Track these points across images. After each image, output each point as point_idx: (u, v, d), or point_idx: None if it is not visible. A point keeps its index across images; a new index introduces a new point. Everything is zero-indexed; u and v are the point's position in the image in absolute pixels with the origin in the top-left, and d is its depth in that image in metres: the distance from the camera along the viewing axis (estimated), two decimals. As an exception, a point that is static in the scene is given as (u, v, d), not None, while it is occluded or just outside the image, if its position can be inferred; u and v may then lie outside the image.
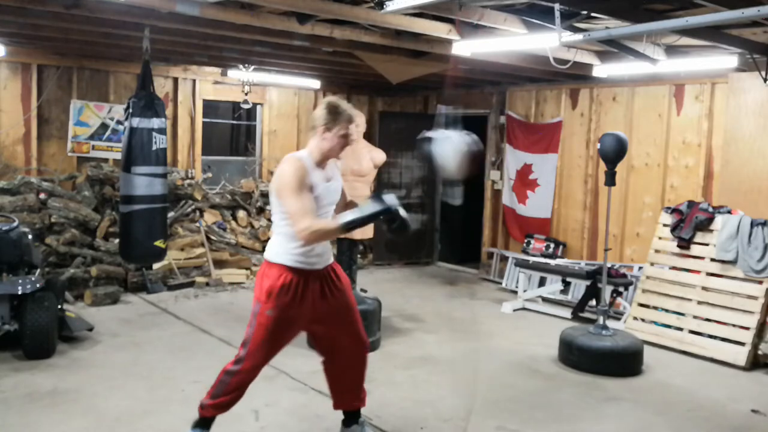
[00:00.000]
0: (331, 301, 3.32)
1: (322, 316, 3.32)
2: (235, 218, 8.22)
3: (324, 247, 3.31)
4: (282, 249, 3.23)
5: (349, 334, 3.41)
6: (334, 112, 3.20)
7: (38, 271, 5.33)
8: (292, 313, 3.22)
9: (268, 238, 8.85)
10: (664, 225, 6.17)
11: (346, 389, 3.55)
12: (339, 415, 3.94)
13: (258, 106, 8.87)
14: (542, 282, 7.37)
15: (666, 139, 6.81)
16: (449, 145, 3.33)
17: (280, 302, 3.19)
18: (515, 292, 7.36)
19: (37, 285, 4.93)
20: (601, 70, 6.23)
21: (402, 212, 3.11)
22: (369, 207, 3.07)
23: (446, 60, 6.28)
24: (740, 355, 5.30)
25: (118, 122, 7.43)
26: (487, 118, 8.66)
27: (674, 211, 6.11)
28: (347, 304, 3.41)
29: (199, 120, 8.31)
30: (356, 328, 3.43)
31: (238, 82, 8.25)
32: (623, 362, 5.05)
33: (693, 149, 6.61)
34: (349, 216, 3.06)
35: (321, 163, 3.26)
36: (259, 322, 3.23)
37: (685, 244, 5.94)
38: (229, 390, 3.30)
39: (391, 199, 3.10)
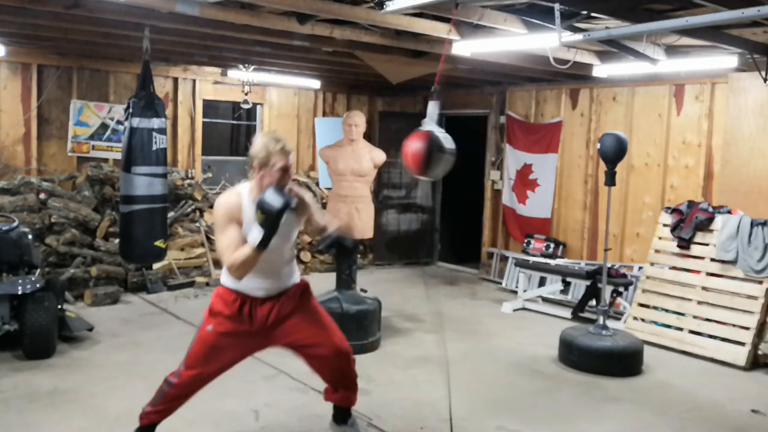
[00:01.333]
0: (288, 323, 3.29)
1: (281, 336, 3.31)
2: (235, 218, 8.21)
3: (278, 275, 3.27)
4: (227, 274, 3.22)
5: (324, 348, 3.36)
6: (267, 148, 3.11)
7: (38, 271, 5.33)
8: (232, 333, 3.22)
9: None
10: (664, 225, 6.17)
11: (339, 385, 3.56)
12: (339, 415, 3.94)
13: (258, 106, 8.86)
14: (542, 282, 7.37)
15: (666, 139, 6.81)
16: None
17: (220, 321, 3.22)
18: (515, 292, 7.36)
19: (37, 285, 4.93)
20: (601, 70, 6.23)
21: (293, 202, 3.05)
22: (267, 211, 2.94)
23: (446, 60, 6.27)
24: (740, 355, 5.30)
25: (118, 122, 7.43)
26: (487, 118, 8.67)
27: (674, 211, 6.11)
28: (311, 319, 3.36)
29: (199, 120, 8.30)
30: (330, 340, 3.37)
31: (238, 82, 8.25)
32: (623, 362, 5.05)
33: (693, 149, 6.61)
34: (255, 234, 2.97)
35: None
36: (199, 336, 3.27)
37: (685, 244, 5.94)
38: (165, 400, 3.31)
39: (271, 194, 2.97)
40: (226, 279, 3.28)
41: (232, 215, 3.10)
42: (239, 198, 3.15)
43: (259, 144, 3.16)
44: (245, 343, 3.29)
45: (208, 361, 3.24)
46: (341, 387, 3.55)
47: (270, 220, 2.94)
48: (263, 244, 2.96)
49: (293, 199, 3.09)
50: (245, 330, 3.24)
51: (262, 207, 2.94)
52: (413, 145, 3.54)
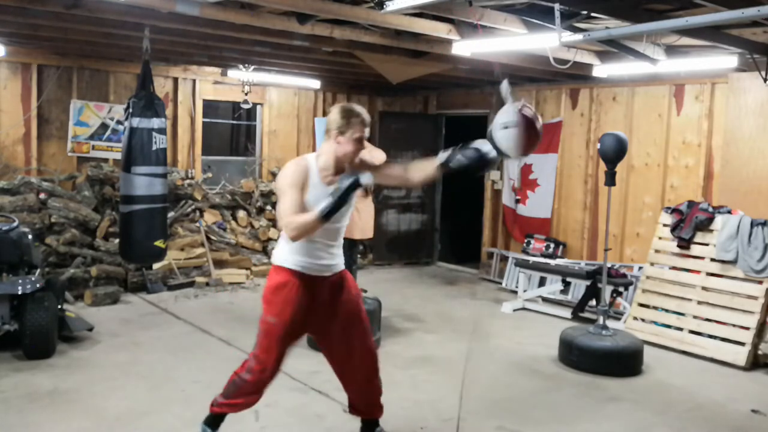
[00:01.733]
0: (339, 310, 3.31)
1: (328, 323, 3.32)
2: (235, 218, 8.22)
3: (332, 254, 3.31)
4: (287, 252, 3.24)
5: (357, 343, 3.38)
6: (348, 116, 3.19)
7: (38, 271, 5.33)
8: (293, 318, 3.21)
9: (268, 238, 8.91)
10: (664, 225, 6.17)
11: (362, 395, 3.53)
12: (339, 414, 3.96)
13: (258, 106, 8.86)
14: (542, 282, 7.37)
15: (666, 139, 6.81)
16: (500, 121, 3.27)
17: (281, 308, 3.19)
18: (515, 292, 7.36)
19: (37, 285, 4.93)
20: (601, 70, 6.23)
21: (367, 179, 3.08)
22: (339, 186, 3.03)
23: (446, 60, 6.28)
24: (740, 355, 5.30)
25: (118, 122, 7.43)
26: (487, 118, 8.66)
27: (674, 211, 6.11)
28: (355, 314, 3.37)
29: (199, 120, 8.30)
30: (364, 338, 3.40)
31: (238, 82, 8.25)
32: (623, 362, 5.04)
33: (693, 149, 6.61)
34: (323, 203, 3.00)
35: (334, 169, 3.22)
36: (263, 329, 3.26)
37: (685, 244, 5.94)
38: (242, 392, 3.32)
39: (354, 177, 3.05)
40: (284, 257, 3.24)
41: (298, 179, 3.12)
42: (307, 164, 3.19)
43: (340, 111, 3.21)
44: (304, 326, 3.30)
45: (279, 350, 3.25)
46: (364, 394, 3.52)
47: (338, 194, 2.97)
48: (328, 211, 2.97)
49: (365, 178, 3.08)
50: (305, 313, 3.23)
51: (341, 182, 3.02)
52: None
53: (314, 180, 3.17)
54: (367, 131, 3.24)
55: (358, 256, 6.38)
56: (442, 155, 3.21)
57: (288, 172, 3.16)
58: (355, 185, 3.02)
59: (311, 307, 3.24)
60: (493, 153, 3.16)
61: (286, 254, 3.25)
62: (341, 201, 3.00)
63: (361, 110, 3.26)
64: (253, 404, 3.39)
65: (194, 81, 8.19)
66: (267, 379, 3.31)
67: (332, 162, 3.22)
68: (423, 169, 3.34)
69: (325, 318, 3.31)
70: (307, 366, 4.91)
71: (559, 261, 7.35)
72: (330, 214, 2.99)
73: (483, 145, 3.17)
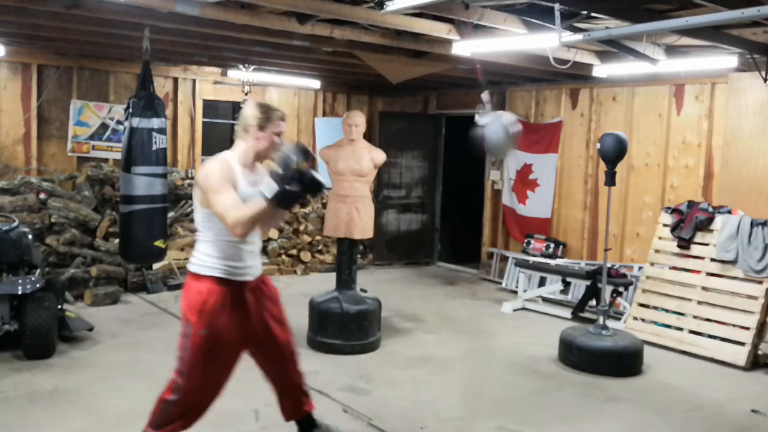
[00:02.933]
0: (264, 313, 3.16)
1: (256, 327, 3.13)
2: (235, 218, 8.21)
3: (252, 255, 3.11)
4: (209, 259, 3.01)
5: (283, 345, 3.26)
6: (267, 111, 3.07)
7: (38, 271, 5.33)
8: (227, 329, 2.99)
9: (268, 238, 8.88)
10: (664, 225, 6.17)
11: (290, 396, 3.42)
12: (339, 414, 3.96)
13: (258, 106, 8.85)
14: (542, 282, 7.37)
15: (666, 139, 6.80)
16: (498, 125, 3.52)
17: (213, 319, 2.95)
18: (515, 292, 7.36)
19: (37, 285, 4.93)
20: (601, 70, 6.23)
21: (311, 174, 2.84)
22: (278, 172, 2.79)
23: (446, 60, 6.28)
24: (740, 355, 5.30)
25: (118, 122, 7.43)
26: (487, 118, 8.65)
27: (674, 211, 6.11)
28: (278, 315, 3.25)
29: (199, 120, 8.30)
30: (287, 338, 3.29)
31: (238, 82, 8.25)
32: (623, 362, 5.05)
33: (693, 149, 6.61)
34: (268, 186, 2.78)
35: (251, 166, 3.10)
36: (193, 343, 2.96)
37: (685, 244, 5.94)
38: (173, 419, 3.04)
39: (292, 150, 2.83)
40: (203, 263, 3.00)
41: (228, 177, 2.93)
42: (230, 164, 3.00)
43: (258, 106, 3.10)
44: (238, 337, 3.06)
45: (215, 367, 3.03)
46: (293, 392, 3.41)
47: (305, 187, 2.79)
48: (279, 200, 2.77)
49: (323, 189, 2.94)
50: (237, 323, 3.02)
51: (280, 163, 2.80)
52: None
53: (240, 180, 2.99)
54: (283, 126, 3.12)
55: (358, 256, 6.38)
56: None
57: (215, 169, 2.94)
58: (320, 190, 2.86)
59: (240, 315, 3.03)
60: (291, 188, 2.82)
61: (205, 259, 3.01)
62: (285, 183, 2.77)
63: (276, 106, 3.18)
64: (189, 425, 3.08)
65: (194, 81, 8.19)
66: (202, 401, 3.06)
67: (251, 160, 3.09)
68: None
69: (253, 323, 3.10)
70: (307, 366, 4.89)
71: (559, 261, 7.35)
72: (282, 198, 2.78)
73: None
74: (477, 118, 3.58)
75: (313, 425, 3.52)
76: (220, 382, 3.10)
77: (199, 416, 3.09)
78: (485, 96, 3.66)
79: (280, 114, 3.11)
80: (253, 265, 3.13)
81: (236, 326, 3.03)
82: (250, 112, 3.08)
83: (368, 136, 7.37)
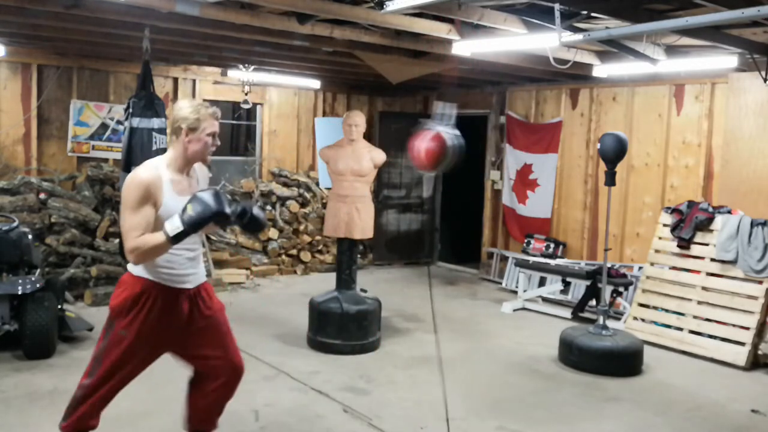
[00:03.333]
0: (201, 324, 3.01)
1: (190, 339, 3.01)
2: (235, 218, 8.21)
3: (193, 263, 2.99)
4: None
5: (222, 360, 3.09)
6: (198, 111, 2.87)
7: (38, 271, 5.33)
8: (150, 334, 2.88)
9: (268, 238, 8.88)
10: (664, 225, 6.17)
11: (205, 414, 3.21)
12: (339, 414, 3.96)
13: (258, 106, 8.86)
14: (542, 282, 7.37)
15: (666, 139, 6.81)
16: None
17: (137, 322, 2.85)
18: (515, 292, 7.36)
19: (37, 285, 4.93)
20: (601, 70, 6.23)
21: (248, 209, 2.85)
22: (193, 210, 2.67)
23: (446, 60, 6.28)
24: (740, 355, 5.30)
25: (118, 122, 7.42)
26: (487, 118, 8.66)
27: (674, 211, 6.11)
28: (218, 328, 3.09)
29: (199, 120, 8.29)
30: (230, 355, 3.12)
31: (238, 82, 8.25)
32: (623, 362, 5.05)
33: (693, 149, 6.61)
34: (175, 222, 2.67)
35: (183, 171, 2.94)
36: (111, 341, 2.90)
37: (685, 244, 5.94)
38: (77, 406, 2.98)
39: (210, 198, 2.69)
40: (140, 269, 2.88)
41: (147, 193, 2.76)
42: (158, 173, 2.82)
43: (187, 107, 2.89)
44: (161, 344, 2.97)
45: (129, 368, 2.93)
46: (208, 410, 3.19)
47: (198, 219, 2.66)
48: (178, 238, 2.67)
49: (233, 206, 2.82)
50: (164, 329, 2.91)
51: (196, 202, 2.67)
52: (425, 144, 3.47)
53: (167, 192, 2.82)
54: (217, 125, 2.93)
55: (358, 256, 6.38)
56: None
57: (135, 184, 2.76)
58: (218, 216, 2.70)
59: (169, 322, 2.91)
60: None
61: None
62: (197, 228, 2.71)
63: (209, 104, 2.98)
64: (87, 422, 2.99)
65: (194, 81, 8.19)
66: (106, 396, 2.96)
67: (183, 165, 2.92)
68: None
69: (184, 333, 2.98)
70: (307, 366, 4.91)
71: (559, 261, 7.35)
72: (181, 238, 2.69)
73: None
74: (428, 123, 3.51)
75: None
76: (129, 377, 2.99)
77: (104, 405, 3.01)
78: (441, 108, 3.55)
79: (212, 111, 2.91)
80: (192, 273, 2.98)
81: (161, 331, 2.91)
82: (179, 114, 2.87)
83: (368, 136, 7.37)
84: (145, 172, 2.82)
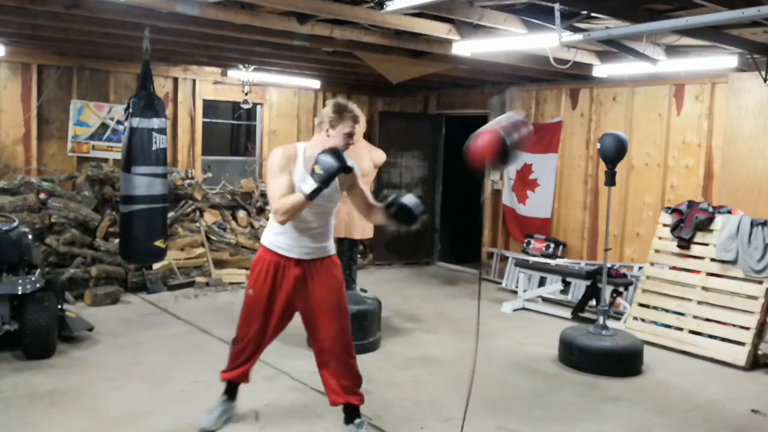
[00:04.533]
0: (314, 295, 3.48)
1: (304, 304, 3.52)
2: (235, 218, 8.22)
3: (315, 238, 3.46)
4: (270, 233, 3.53)
5: (329, 332, 3.52)
6: (341, 111, 3.35)
7: (38, 271, 5.33)
8: (268, 294, 3.49)
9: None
10: (664, 225, 6.17)
11: (337, 376, 3.59)
12: (339, 414, 3.95)
13: (258, 106, 8.87)
14: (542, 282, 7.37)
15: (666, 139, 6.81)
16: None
17: (256, 283, 3.51)
18: (515, 292, 7.36)
19: (37, 285, 4.93)
20: (601, 70, 6.23)
21: (351, 163, 3.29)
22: (321, 168, 3.18)
23: (446, 60, 6.28)
24: (740, 355, 5.30)
25: (118, 122, 7.43)
26: (487, 118, 8.63)
27: (674, 211, 6.11)
28: (328, 302, 3.51)
29: (199, 120, 8.31)
30: (337, 328, 3.52)
31: (238, 82, 8.25)
32: (623, 362, 5.05)
33: (693, 149, 6.61)
34: (309, 181, 3.19)
35: None
36: (244, 301, 3.61)
37: (685, 244, 5.94)
38: (231, 359, 3.73)
39: (331, 157, 3.20)
40: (266, 239, 3.53)
41: (287, 164, 3.34)
42: (296, 151, 3.41)
43: (333, 105, 3.39)
44: (279, 302, 3.51)
45: (256, 322, 3.57)
46: (339, 375, 3.58)
47: (325, 175, 3.16)
48: (313, 195, 3.19)
49: (350, 162, 3.29)
50: (277, 290, 3.49)
51: (320, 162, 3.18)
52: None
53: (300, 168, 3.37)
54: (358, 128, 3.42)
55: (358, 256, 6.38)
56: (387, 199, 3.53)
57: (278, 155, 3.35)
58: (340, 170, 3.20)
59: (284, 287, 3.47)
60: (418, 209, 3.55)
61: (268, 234, 3.53)
62: (326, 183, 3.19)
63: (354, 107, 3.43)
64: (241, 375, 3.74)
65: (194, 81, 8.20)
66: (249, 350, 3.64)
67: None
68: (377, 215, 3.65)
69: (301, 299, 3.51)
70: (307, 366, 4.90)
71: (559, 261, 7.35)
72: (315, 194, 3.20)
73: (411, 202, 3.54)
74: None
75: (351, 419, 3.70)
76: (262, 333, 3.60)
77: (250, 358, 3.69)
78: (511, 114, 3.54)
79: (352, 116, 3.38)
80: (308, 246, 3.46)
81: (273, 293, 3.50)
82: (326, 110, 3.40)
83: (368, 136, 7.37)
84: (287, 146, 3.46)
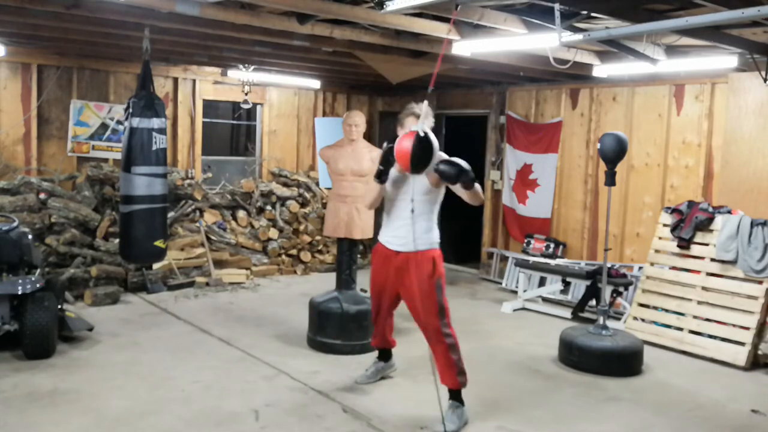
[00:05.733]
0: (405, 285, 3.99)
1: (401, 291, 4.06)
2: (235, 218, 8.23)
3: (398, 232, 3.98)
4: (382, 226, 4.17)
5: (420, 319, 4.00)
6: (403, 113, 4.07)
7: (38, 271, 5.33)
8: (375, 280, 4.20)
9: (268, 238, 8.92)
10: (664, 225, 6.17)
11: (439, 370, 3.98)
12: (339, 414, 3.96)
13: (258, 106, 8.87)
14: (542, 282, 7.37)
15: (666, 139, 6.81)
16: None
17: (373, 268, 4.22)
18: (515, 292, 7.36)
19: (37, 285, 4.93)
20: (601, 70, 6.23)
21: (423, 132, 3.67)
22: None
23: (446, 60, 6.28)
24: (740, 355, 5.30)
25: (118, 122, 7.43)
26: (487, 118, 8.66)
27: (674, 211, 6.11)
28: (413, 293, 3.95)
29: (199, 120, 8.31)
30: (423, 321, 3.96)
31: (238, 82, 8.26)
32: (623, 362, 5.05)
33: (693, 149, 6.61)
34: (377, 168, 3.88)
35: None
36: None
37: (685, 244, 5.94)
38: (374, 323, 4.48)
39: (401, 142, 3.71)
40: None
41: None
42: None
43: (404, 109, 4.07)
44: (385, 286, 4.12)
45: (376, 297, 4.26)
46: (438, 364, 3.97)
47: (383, 160, 3.83)
48: (375, 175, 3.89)
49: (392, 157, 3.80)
50: (382, 275, 4.11)
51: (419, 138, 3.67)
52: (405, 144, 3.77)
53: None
54: (416, 125, 3.77)
55: (358, 256, 6.38)
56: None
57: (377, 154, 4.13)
58: (389, 152, 3.76)
59: (381, 273, 4.11)
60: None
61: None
62: (384, 164, 3.83)
63: (415, 105, 4.01)
64: (381, 342, 4.56)
65: (194, 81, 8.20)
66: (375, 324, 4.44)
67: None
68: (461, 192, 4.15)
69: (396, 287, 4.07)
70: (307, 366, 4.91)
71: (559, 261, 7.35)
72: (377, 175, 3.88)
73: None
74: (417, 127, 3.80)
75: (450, 398, 4.02)
76: (385, 308, 4.31)
77: (378, 331, 4.48)
78: (422, 108, 3.91)
79: (407, 112, 4.03)
80: (398, 238, 3.99)
81: (380, 279, 4.15)
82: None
83: (368, 136, 7.38)
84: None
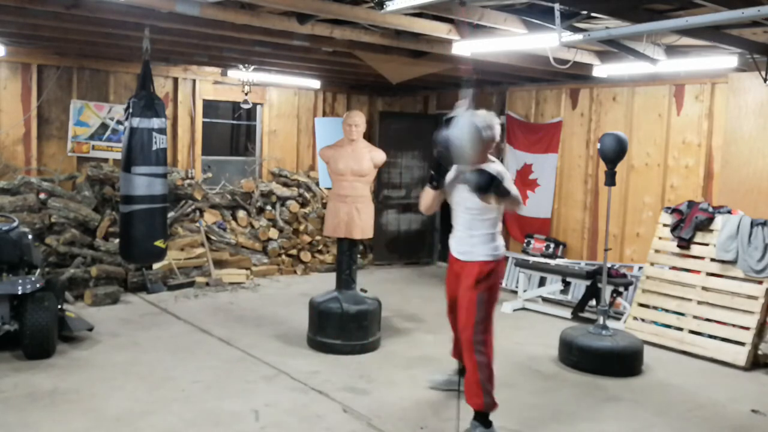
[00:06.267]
0: (457, 290, 3.96)
1: (454, 293, 4.03)
2: (235, 218, 8.22)
3: (459, 240, 3.94)
4: None
5: (458, 329, 4.00)
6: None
7: (38, 271, 5.33)
8: (447, 282, 4.13)
9: (268, 238, 8.92)
10: (664, 225, 6.17)
11: (465, 383, 3.92)
12: (339, 414, 3.96)
13: (258, 106, 8.87)
14: (542, 282, 7.37)
15: (666, 139, 6.80)
16: (467, 122, 3.71)
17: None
18: (515, 292, 7.36)
19: (37, 285, 4.93)
20: (601, 70, 6.23)
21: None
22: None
23: (446, 60, 6.28)
24: (740, 355, 5.30)
25: (118, 122, 7.43)
26: (487, 118, 8.65)
27: (674, 211, 6.11)
28: (460, 302, 3.93)
29: (199, 120, 8.31)
30: (460, 327, 3.94)
31: (238, 82, 8.25)
32: (623, 362, 5.05)
33: (693, 149, 6.61)
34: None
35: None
36: None
37: (685, 244, 5.94)
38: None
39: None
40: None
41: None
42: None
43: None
44: (453, 293, 4.05)
45: (449, 305, 4.18)
46: (465, 380, 3.92)
47: (434, 165, 3.87)
48: (430, 181, 3.88)
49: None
50: (450, 280, 4.07)
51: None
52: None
53: (451, 173, 3.92)
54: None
55: (358, 256, 6.38)
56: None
57: None
58: (438, 161, 3.79)
59: (450, 281, 4.07)
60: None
61: None
62: (435, 170, 3.84)
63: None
64: (454, 355, 4.35)
65: (194, 81, 8.19)
66: (454, 332, 4.24)
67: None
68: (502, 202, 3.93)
69: (452, 287, 4.05)
70: (307, 366, 4.91)
71: (559, 261, 7.35)
72: (429, 179, 3.87)
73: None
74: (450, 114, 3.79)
75: (474, 422, 3.93)
76: (452, 318, 4.18)
77: (456, 341, 4.26)
78: (464, 95, 3.95)
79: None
80: (457, 247, 3.96)
81: (449, 284, 4.11)
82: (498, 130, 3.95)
83: (368, 136, 7.37)
84: None
